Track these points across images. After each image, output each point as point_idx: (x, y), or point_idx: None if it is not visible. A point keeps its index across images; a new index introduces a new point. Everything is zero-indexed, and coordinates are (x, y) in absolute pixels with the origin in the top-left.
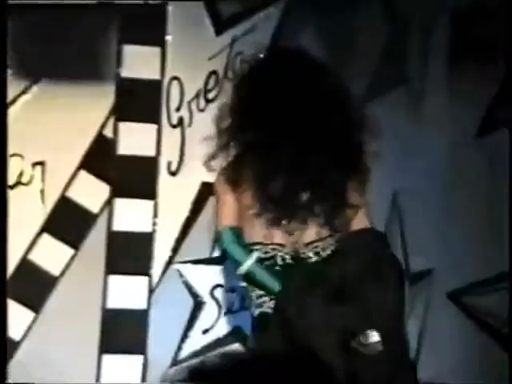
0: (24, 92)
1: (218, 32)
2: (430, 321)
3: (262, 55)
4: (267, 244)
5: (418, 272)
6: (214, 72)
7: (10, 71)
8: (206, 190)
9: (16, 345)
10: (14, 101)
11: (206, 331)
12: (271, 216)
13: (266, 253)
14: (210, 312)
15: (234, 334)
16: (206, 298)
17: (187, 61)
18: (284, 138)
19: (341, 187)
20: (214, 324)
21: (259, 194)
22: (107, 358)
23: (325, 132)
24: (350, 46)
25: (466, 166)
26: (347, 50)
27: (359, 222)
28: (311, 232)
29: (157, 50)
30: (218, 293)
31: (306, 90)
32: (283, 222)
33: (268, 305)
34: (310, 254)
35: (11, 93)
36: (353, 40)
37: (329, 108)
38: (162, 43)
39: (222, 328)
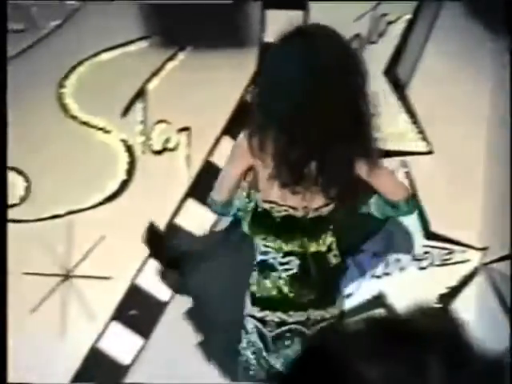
0: (170, 59)
1: None
2: None
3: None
4: (281, 205)
5: None
6: (357, 35)
7: (157, 39)
8: None
9: (164, 305)
10: (160, 68)
11: (349, 296)
12: (284, 179)
13: (279, 212)
14: (353, 277)
15: (378, 299)
16: (349, 262)
17: (330, 23)
18: (300, 113)
19: (346, 160)
20: (355, 289)
21: (276, 161)
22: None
23: (336, 110)
24: None
25: None
26: None
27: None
28: (320, 198)
29: (299, 13)
30: (362, 258)
31: (322, 71)
32: (293, 185)
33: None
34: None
35: (158, 60)
36: None
37: (342, 88)
38: (304, 7)
39: (365, 293)
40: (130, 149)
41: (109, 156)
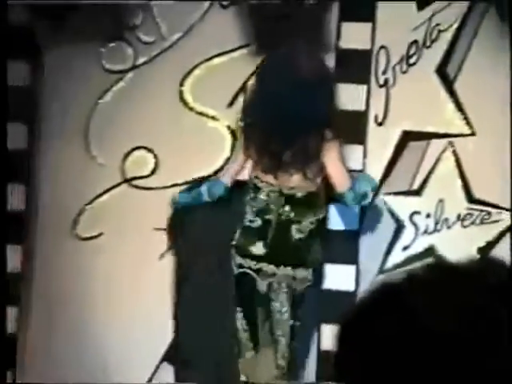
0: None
1: (420, 8)
2: None
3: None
4: (262, 181)
5: None
6: (415, 41)
7: (253, 47)
8: (405, 137)
9: None
10: (256, 69)
11: (405, 248)
12: (264, 165)
13: (256, 183)
14: (408, 233)
15: (429, 250)
16: (406, 222)
17: (393, 32)
18: (277, 117)
19: (314, 150)
20: (411, 243)
21: (259, 152)
22: (326, 267)
23: (304, 113)
24: None
25: None
26: None
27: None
28: (294, 180)
29: (368, 25)
30: (416, 218)
31: (299, 84)
32: (271, 170)
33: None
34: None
35: (254, 63)
36: None
37: (313, 97)
38: (373, 19)
39: (419, 246)
40: (233, 133)
41: (217, 138)
